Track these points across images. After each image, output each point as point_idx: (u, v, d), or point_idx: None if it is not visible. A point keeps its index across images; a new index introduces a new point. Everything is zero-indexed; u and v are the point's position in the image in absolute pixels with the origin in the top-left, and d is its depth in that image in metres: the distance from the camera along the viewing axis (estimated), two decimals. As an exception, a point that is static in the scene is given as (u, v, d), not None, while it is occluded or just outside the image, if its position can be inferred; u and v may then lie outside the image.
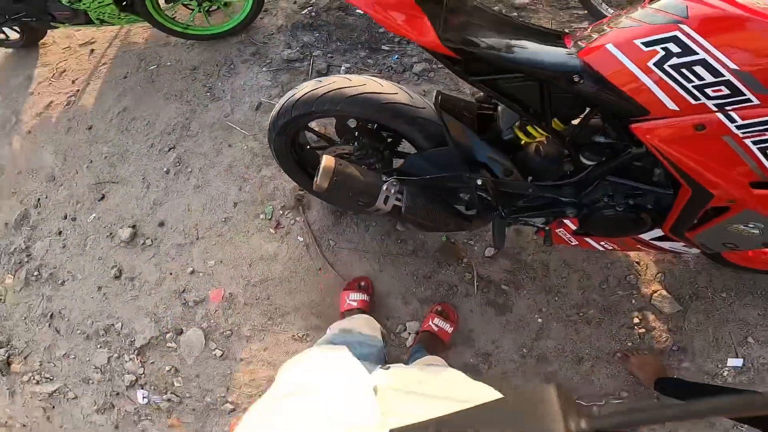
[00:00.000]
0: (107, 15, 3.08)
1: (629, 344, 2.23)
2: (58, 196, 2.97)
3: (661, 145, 1.36)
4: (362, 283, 2.41)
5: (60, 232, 2.87)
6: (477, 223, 2.01)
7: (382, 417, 0.68)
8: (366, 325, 1.70)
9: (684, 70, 1.22)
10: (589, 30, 1.45)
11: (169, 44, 3.43)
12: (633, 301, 2.29)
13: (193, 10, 3.20)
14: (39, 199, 3.00)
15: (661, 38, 1.22)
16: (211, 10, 3.25)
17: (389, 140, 2.03)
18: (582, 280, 2.34)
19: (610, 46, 1.30)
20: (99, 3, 2.98)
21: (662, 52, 1.23)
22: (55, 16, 3.15)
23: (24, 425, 2.54)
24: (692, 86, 1.23)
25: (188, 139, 2.92)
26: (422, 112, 1.75)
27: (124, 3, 3.03)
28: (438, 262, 2.46)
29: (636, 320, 2.26)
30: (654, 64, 1.25)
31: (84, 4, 2.98)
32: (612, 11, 3.00)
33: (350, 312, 2.28)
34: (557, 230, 1.93)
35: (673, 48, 1.21)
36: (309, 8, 3.36)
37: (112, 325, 2.60)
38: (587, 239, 1.91)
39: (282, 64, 3.07)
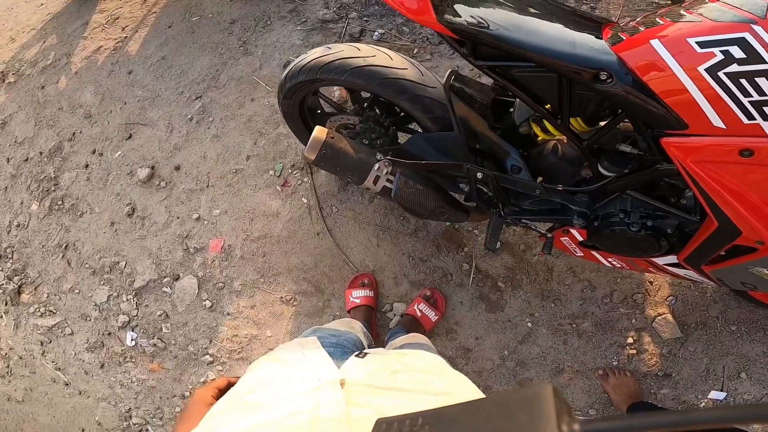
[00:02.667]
0: None
1: (614, 363, 1.95)
2: (91, 132, 2.87)
3: (693, 167, 1.07)
4: (365, 281, 2.18)
5: (87, 166, 2.77)
6: (475, 217, 1.75)
7: (347, 407, 0.63)
8: (340, 325, 1.48)
9: (743, 81, 0.93)
10: (636, 21, 1.13)
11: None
12: (633, 320, 1.99)
13: None
14: (74, 133, 2.91)
15: (724, 39, 0.92)
16: None
17: (401, 116, 1.80)
18: (585, 290, 2.05)
19: (655, 42, 1.00)
20: None
21: (720, 56, 0.93)
22: None
23: (21, 357, 2.45)
24: (749, 101, 0.94)
25: (215, 90, 2.73)
26: (430, 92, 1.52)
27: None
28: (437, 246, 2.21)
29: (630, 340, 1.97)
30: (706, 70, 0.95)
31: None
32: None
33: (356, 310, 2.08)
34: (561, 238, 1.61)
35: (736, 52, 0.92)
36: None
37: (118, 262, 2.48)
38: (594, 252, 1.59)
39: (316, 24, 2.82)
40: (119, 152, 2.72)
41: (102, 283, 2.47)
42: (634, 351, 1.94)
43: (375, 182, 1.51)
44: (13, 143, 3.05)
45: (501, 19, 1.14)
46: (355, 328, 1.44)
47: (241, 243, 2.34)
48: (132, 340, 2.31)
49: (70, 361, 2.40)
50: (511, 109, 1.46)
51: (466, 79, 1.49)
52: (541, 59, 1.11)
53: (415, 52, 2.61)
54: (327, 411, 0.63)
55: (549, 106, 1.25)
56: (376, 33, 2.70)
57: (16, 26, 3.84)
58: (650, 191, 1.32)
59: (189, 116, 2.68)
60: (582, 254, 1.62)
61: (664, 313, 1.96)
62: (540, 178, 1.45)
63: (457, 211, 1.63)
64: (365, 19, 2.79)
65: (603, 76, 1.06)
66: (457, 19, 1.14)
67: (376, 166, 1.50)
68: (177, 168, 2.56)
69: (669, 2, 2.65)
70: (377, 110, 1.74)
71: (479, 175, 1.45)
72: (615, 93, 1.07)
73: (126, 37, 3.24)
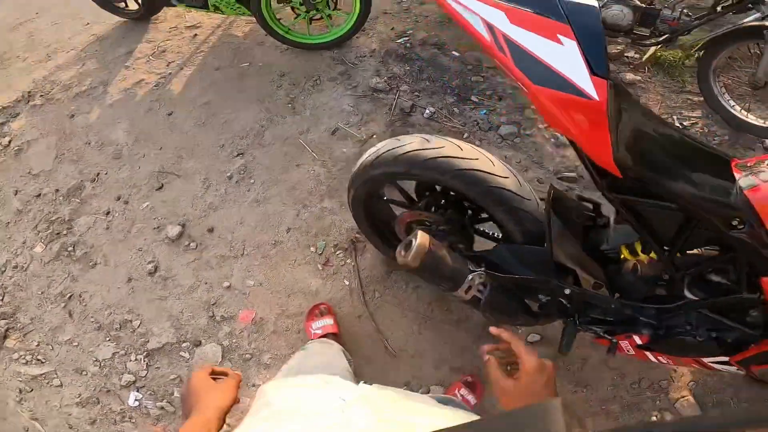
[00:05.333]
0: (223, 3, 2.73)
1: None
2: (118, 175, 2.53)
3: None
4: (322, 308, 1.99)
5: (108, 213, 2.42)
6: (542, 322, 1.63)
7: (375, 416, 0.65)
8: (321, 352, 1.47)
9: None
10: (765, 164, 1.02)
11: (264, 44, 2.99)
12: (657, 401, 1.87)
13: (299, 14, 2.76)
14: (99, 173, 2.56)
15: None
16: (314, 18, 2.80)
17: (469, 213, 1.64)
18: (615, 378, 1.90)
19: None
20: None
21: None
22: None
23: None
24: None
25: (259, 148, 2.46)
26: (526, 204, 1.37)
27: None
28: (480, 337, 1.96)
29: (653, 418, 1.86)
30: None
31: None
32: (738, 108, 2.42)
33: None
34: (621, 342, 1.49)
35: None
36: (405, 38, 2.85)
37: (130, 321, 2.15)
38: (647, 353, 1.49)
39: (367, 91, 2.58)
40: (147, 203, 2.41)
41: (108, 339, 2.15)
42: (658, 429, 1.77)
43: (466, 291, 1.39)
44: (26, 174, 2.66)
45: (657, 158, 1.10)
46: (334, 346, 1.51)
47: (275, 317, 2.06)
48: (135, 400, 2.00)
49: (53, 414, 2.03)
50: (595, 228, 1.43)
51: (565, 198, 1.40)
52: (684, 202, 1.06)
53: (465, 136, 2.38)
54: (359, 422, 0.64)
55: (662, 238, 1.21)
56: (427, 111, 2.46)
57: (56, 43, 3.53)
58: (722, 311, 1.27)
59: (228, 174, 2.40)
60: (634, 353, 1.54)
61: (686, 396, 1.87)
62: (617, 294, 1.38)
63: (531, 318, 1.55)
64: (416, 93, 2.55)
65: (735, 223, 1.00)
66: (626, 159, 1.06)
67: (470, 277, 1.36)
68: (210, 230, 2.27)
69: (701, 98, 2.49)
70: (455, 211, 1.59)
71: (567, 291, 1.37)
72: (743, 240, 1.00)
73: (170, 73, 2.96)
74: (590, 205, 1.43)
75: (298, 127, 2.49)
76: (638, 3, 2.43)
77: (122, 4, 3.39)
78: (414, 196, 1.66)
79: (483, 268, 1.41)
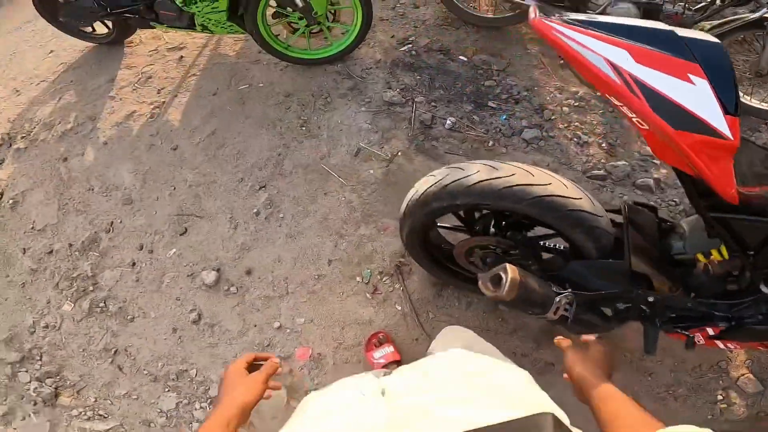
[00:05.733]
0: (212, 22, 2.52)
1: (709, 416, 1.92)
2: (134, 222, 2.39)
3: None
4: (380, 336, 1.99)
5: (134, 264, 2.30)
6: (617, 326, 1.68)
7: (387, 410, 0.68)
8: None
9: None
10: None
11: (260, 62, 2.85)
12: (720, 381, 1.95)
13: (297, 29, 2.62)
14: (112, 222, 2.41)
15: None
16: (313, 32, 2.67)
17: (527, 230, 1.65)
18: (676, 364, 1.97)
19: None
20: (212, 8, 2.42)
21: None
22: (158, 15, 2.58)
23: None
24: None
25: (281, 178, 2.36)
26: (599, 221, 1.37)
27: (238, 13, 2.48)
28: (537, 342, 1.99)
29: (720, 397, 1.94)
30: None
31: (196, 7, 2.42)
32: (740, 92, 2.47)
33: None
34: (694, 334, 1.60)
35: None
36: (408, 45, 2.77)
37: (186, 370, 2.09)
38: (717, 341, 1.59)
39: (382, 106, 2.50)
40: (173, 250, 2.29)
41: (167, 390, 2.09)
42: (725, 405, 1.92)
43: (555, 312, 1.41)
44: (29, 230, 2.48)
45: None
46: None
47: (332, 351, 2.02)
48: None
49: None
50: (674, 238, 1.47)
51: (639, 210, 1.47)
52: None
53: (490, 144, 2.35)
54: (370, 417, 0.67)
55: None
56: (448, 121, 2.41)
57: (20, 75, 3.27)
58: None
59: (255, 210, 2.30)
60: (705, 343, 1.63)
61: (745, 373, 1.95)
62: (692, 294, 1.45)
63: (609, 324, 1.59)
64: (432, 104, 2.50)
65: None
66: (751, 190, 1.11)
67: (558, 299, 1.38)
68: (248, 272, 2.18)
69: None
70: (515, 231, 1.59)
71: (650, 299, 1.42)
72: None
73: (164, 102, 2.79)
74: (652, 214, 1.49)
75: (317, 151, 2.41)
76: None
77: (89, 29, 3.13)
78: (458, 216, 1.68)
79: (569, 290, 1.43)
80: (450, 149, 2.33)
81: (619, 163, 2.26)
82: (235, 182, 2.39)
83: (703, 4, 2.43)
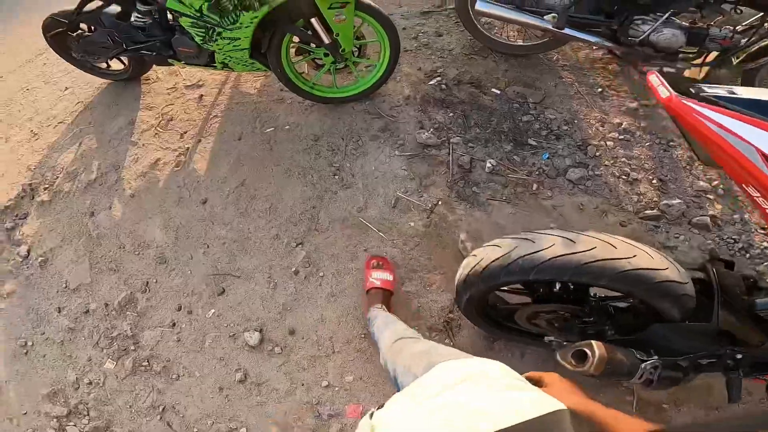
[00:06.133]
0: (234, 60, 2.41)
1: None
2: (171, 282, 2.32)
3: None
4: (379, 262, 2.10)
5: (174, 324, 2.24)
6: (693, 377, 1.60)
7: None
8: None
9: None
10: None
11: (283, 101, 2.74)
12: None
13: (322, 66, 2.50)
14: (147, 282, 2.34)
15: None
16: (338, 68, 2.55)
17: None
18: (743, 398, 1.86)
19: None
20: (233, 46, 2.30)
21: None
22: (176, 52, 2.48)
23: None
24: None
25: (317, 234, 2.27)
26: (685, 288, 1.29)
27: (261, 51, 2.38)
28: (596, 384, 1.92)
29: None
30: None
31: (217, 45, 2.31)
32: None
33: (375, 291, 2.02)
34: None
35: None
36: (437, 78, 2.64)
37: (236, 428, 2.03)
38: None
39: (417, 149, 2.39)
40: (213, 310, 2.22)
41: None
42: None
43: (640, 377, 1.36)
44: (63, 289, 2.42)
45: None
46: None
47: (384, 409, 1.98)
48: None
49: None
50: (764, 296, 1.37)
51: (727, 273, 1.39)
52: None
53: (534, 188, 2.24)
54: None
55: None
56: (488, 164, 2.30)
57: (37, 116, 3.18)
58: None
59: (293, 269, 2.21)
60: None
61: None
62: None
63: (689, 378, 1.51)
64: (470, 144, 2.38)
65: None
66: None
67: (643, 366, 1.33)
68: (291, 332, 2.11)
69: None
70: (586, 294, 1.52)
71: (739, 356, 1.37)
72: None
73: (188, 148, 2.70)
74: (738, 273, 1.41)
75: (353, 203, 2.31)
76: (684, 23, 2.30)
77: (103, 65, 3.02)
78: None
79: (654, 357, 1.37)
80: (492, 195, 2.22)
81: (674, 201, 2.15)
82: (270, 239, 2.31)
83: (749, 24, 2.29)
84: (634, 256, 1.25)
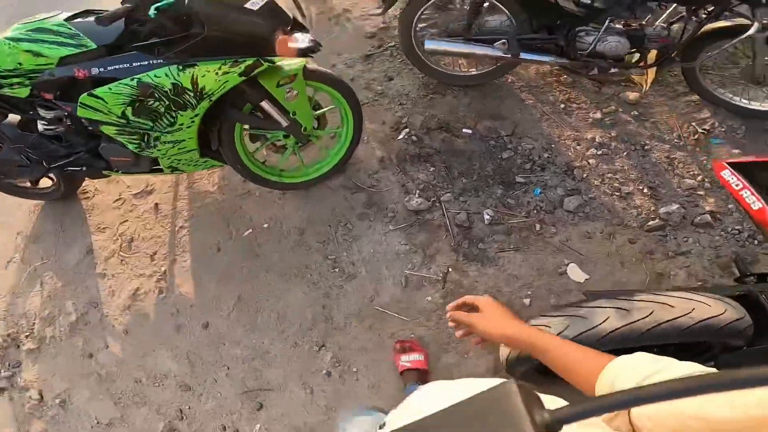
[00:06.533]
0: (183, 162, 2.18)
1: None
2: (204, 407, 2.16)
3: None
4: (407, 345, 2.04)
5: None
6: None
7: None
8: None
9: None
10: None
11: (250, 194, 2.57)
12: None
13: (284, 148, 2.32)
14: (181, 410, 2.17)
15: None
16: (302, 147, 2.36)
17: None
18: None
19: None
20: (179, 149, 2.07)
21: None
22: (110, 163, 2.19)
23: None
24: None
25: (337, 333, 2.17)
26: (746, 321, 1.33)
27: (212, 147, 2.16)
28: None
29: None
30: None
31: (158, 150, 2.06)
32: (729, 95, 2.44)
33: (407, 373, 1.97)
34: None
35: None
36: (405, 130, 2.55)
37: None
38: None
39: (409, 218, 2.31)
40: (258, 425, 2.08)
41: None
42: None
43: None
44: (96, 425, 2.19)
45: None
46: None
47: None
48: None
49: None
50: None
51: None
52: None
53: (538, 229, 2.22)
54: None
55: None
56: (486, 216, 2.25)
57: (-23, 254, 2.85)
58: None
59: (324, 371, 2.11)
60: None
61: None
62: None
63: None
64: (461, 199, 2.32)
65: None
66: None
67: None
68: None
69: (698, 97, 2.54)
70: None
71: None
72: None
73: (165, 271, 2.49)
74: None
75: (363, 293, 2.22)
76: (622, 27, 2.32)
77: (27, 183, 2.65)
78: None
79: None
80: (500, 247, 2.19)
81: (672, 208, 2.19)
82: (290, 348, 2.19)
83: (678, 21, 2.33)
84: (693, 309, 1.27)
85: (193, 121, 1.95)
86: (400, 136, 2.53)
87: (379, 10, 2.65)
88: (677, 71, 2.61)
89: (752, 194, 1.29)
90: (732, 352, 1.42)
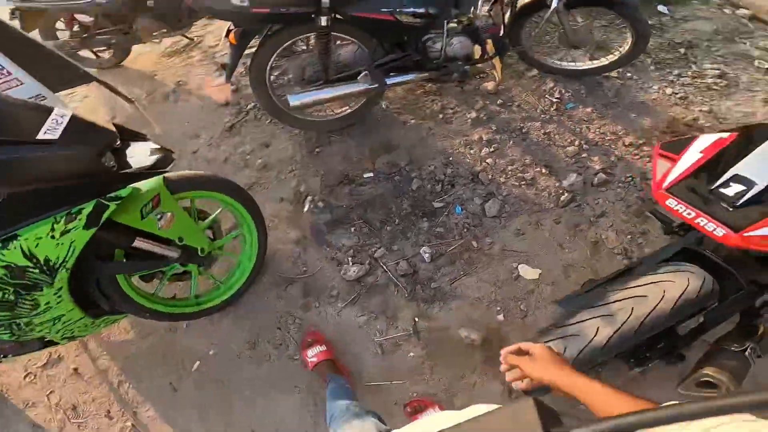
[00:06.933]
0: (78, 329, 1.82)
1: None
2: None
3: None
4: (310, 339, 2.09)
5: None
6: None
7: None
8: None
9: None
10: None
11: (176, 328, 2.30)
12: None
13: (189, 274, 2.03)
14: None
15: None
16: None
17: None
18: None
19: None
20: (63, 323, 1.71)
21: None
22: None
23: None
24: None
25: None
26: (710, 281, 1.40)
27: (105, 308, 1.82)
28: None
29: None
30: None
31: (40, 330, 1.67)
32: (558, 62, 2.76)
33: (318, 367, 2.02)
34: None
35: None
36: (308, 199, 2.41)
37: None
38: None
39: (353, 289, 2.22)
40: None
41: None
42: None
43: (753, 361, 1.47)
44: None
45: None
46: None
47: None
48: None
49: None
50: None
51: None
52: None
53: (476, 245, 2.27)
54: None
55: None
56: (425, 254, 2.25)
57: None
58: None
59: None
60: None
61: None
62: None
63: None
64: (395, 248, 2.28)
65: None
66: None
67: (748, 354, 1.43)
68: None
69: None
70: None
71: None
72: None
73: (131, 425, 2.15)
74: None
75: (353, 378, 2.14)
76: (460, 27, 2.40)
77: None
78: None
79: (747, 343, 1.46)
80: (451, 278, 2.22)
81: (572, 178, 2.37)
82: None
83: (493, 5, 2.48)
84: (664, 292, 1.34)
85: (60, 297, 1.58)
86: (306, 208, 2.40)
87: (222, 78, 2.41)
88: (515, 54, 2.77)
89: (710, 221, 1.31)
90: (711, 311, 1.45)
